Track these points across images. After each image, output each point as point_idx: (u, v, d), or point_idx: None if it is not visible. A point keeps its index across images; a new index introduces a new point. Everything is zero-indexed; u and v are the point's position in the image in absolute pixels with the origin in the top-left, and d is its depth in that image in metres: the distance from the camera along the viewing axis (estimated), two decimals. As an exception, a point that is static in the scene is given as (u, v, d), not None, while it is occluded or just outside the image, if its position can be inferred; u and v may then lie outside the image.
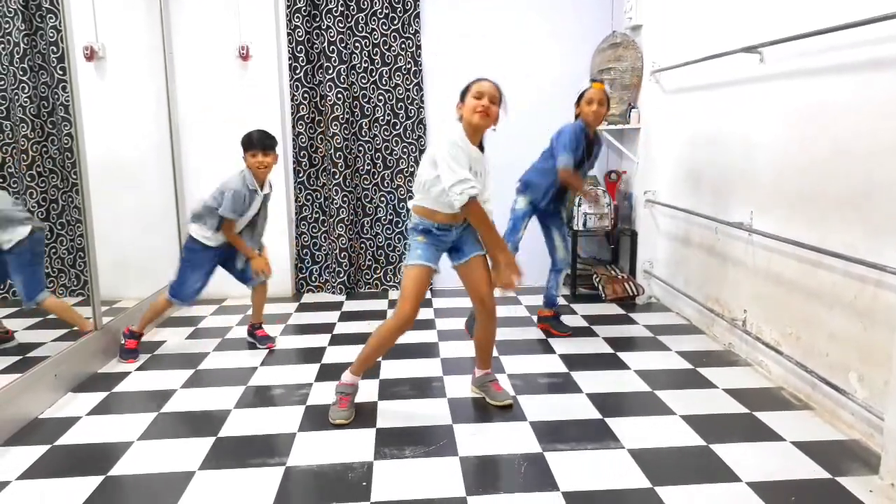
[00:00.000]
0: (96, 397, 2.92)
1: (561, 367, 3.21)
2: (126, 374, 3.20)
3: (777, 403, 2.76)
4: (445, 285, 4.61)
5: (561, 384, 3.01)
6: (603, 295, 4.35)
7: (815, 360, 2.70)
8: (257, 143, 3.24)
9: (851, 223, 2.47)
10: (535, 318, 3.96)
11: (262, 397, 2.92)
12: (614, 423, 2.59)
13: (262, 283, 3.54)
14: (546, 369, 3.19)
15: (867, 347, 2.40)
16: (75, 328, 3.23)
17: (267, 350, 3.52)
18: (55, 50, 3.63)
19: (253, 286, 3.54)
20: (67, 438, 2.53)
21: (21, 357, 3.15)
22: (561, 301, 4.41)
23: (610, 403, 2.79)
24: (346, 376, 2.71)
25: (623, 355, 3.35)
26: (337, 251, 4.64)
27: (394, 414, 2.71)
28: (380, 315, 4.13)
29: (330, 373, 3.16)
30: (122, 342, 3.38)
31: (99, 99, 3.73)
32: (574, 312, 4.16)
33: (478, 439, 2.49)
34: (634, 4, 4.26)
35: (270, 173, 3.37)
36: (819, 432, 2.50)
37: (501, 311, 4.10)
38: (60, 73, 3.62)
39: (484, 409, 2.75)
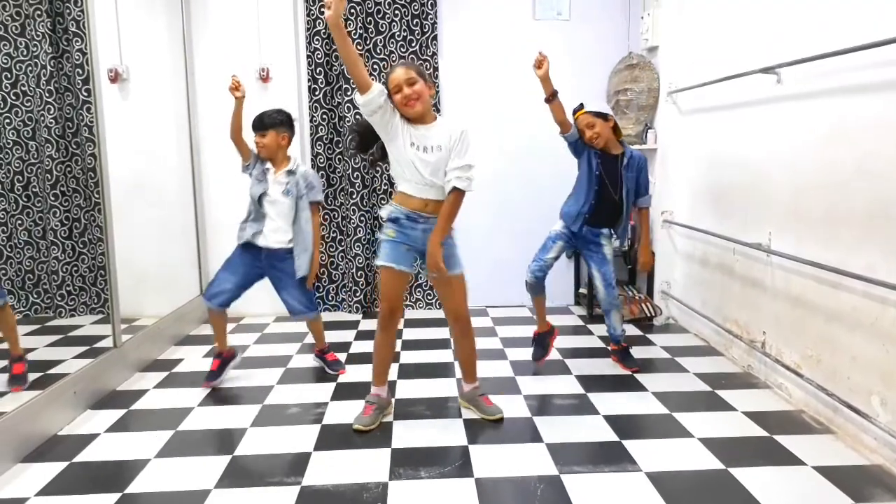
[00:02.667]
0: (114, 414, 2.94)
1: (578, 389, 3.18)
2: (144, 391, 3.22)
3: (798, 427, 2.72)
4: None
5: (577, 405, 2.99)
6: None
7: (837, 383, 2.66)
8: (254, 121, 3.24)
9: (871, 244, 2.45)
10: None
11: (277, 416, 2.92)
12: (632, 446, 2.56)
13: (310, 319, 3.41)
14: (562, 390, 3.17)
15: (889, 371, 2.37)
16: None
17: (337, 374, 3.43)
18: (81, 72, 3.71)
19: (300, 320, 3.42)
20: (86, 455, 2.55)
21: (41, 374, 3.18)
22: (577, 321, 4.41)
23: (627, 425, 2.76)
24: (372, 388, 2.87)
25: (640, 377, 3.32)
26: (353, 270, 4.67)
27: (409, 434, 2.71)
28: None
29: (345, 392, 3.16)
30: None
31: (122, 120, 3.79)
32: (590, 333, 4.14)
33: (493, 460, 2.47)
34: (650, 26, 4.28)
35: (299, 164, 3.30)
36: (841, 457, 2.45)
37: (517, 332, 4.12)
38: (85, 94, 3.70)
39: (500, 430, 2.74)
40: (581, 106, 3.29)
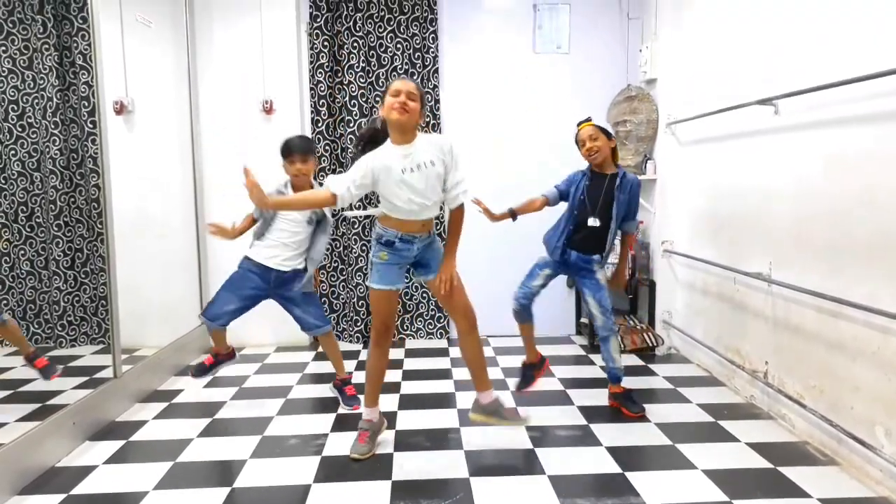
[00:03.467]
0: (113, 446, 2.93)
1: (580, 419, 3.16)
2: (143, 422, 3.20)
3: (802, 458, 2.70)
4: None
5: (580, 437, 2.97)
6: (622, 346, 4.29)
7: (840, 414, 2.64)
8: (296, 148, 3.14)
9: (872, 273, 2.45)
10: (552, 368, 3.94)
11: (277, 447, 2.90)
12: (635, 478, 2.54)
13: (325, 333, 3.37)
14: (564, 421, 3.15)
15: (893, 400, 2.35)
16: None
17: (350, 410, 3.33)
18: (86, 104, 3.76)
19: (314, 335, 3.40)
20: (83, 488, 2.53)
21: (40, 404, 3.17)
22: (579, 351, 4.39)
23: (630, 457, 2.74)
24: (364, 411, 2.89)
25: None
26: (355, 300, 4.67)
27: (410, 465, 2.68)
28: (396, 364, 4.11)
29: (346, 423, 3.14)
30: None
31: (126, 151, 3.83)
32: (592, 363, 4.12)
33: (495, 493, 2.44)
34: (649, 58, 4.34)
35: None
36: (846, 489, 2.43)
37: (518, 361, 4.09)
38: (90, 126, 3.74)
39: (501, 462, 2.71)
40: (588, 119, 3.26)
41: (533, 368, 3.47)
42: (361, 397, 3.02)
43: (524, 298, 3.35)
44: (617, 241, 3.40)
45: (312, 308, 3.32)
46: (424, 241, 2.73)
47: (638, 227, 4.54)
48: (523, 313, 3.38)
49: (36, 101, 3.71)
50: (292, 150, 3.15)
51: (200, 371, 3.29)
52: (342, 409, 3.33)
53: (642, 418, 3.15)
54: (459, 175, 2.63)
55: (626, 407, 3.28)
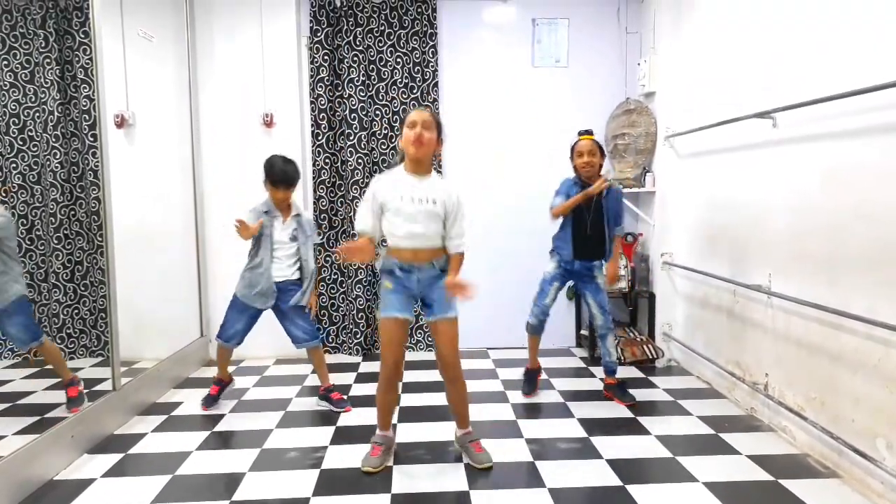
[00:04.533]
0: (112, 459, 2.91)
1: (580, 432, 3.15)
2: (142, 435, 3.19)
3: (803, 471, 2.69)
4: (462, 346, 4.58)
5: (580, 449, 2.96)
6: (622, 358, 4.29)
7: (841, 426, 2.63)
8: (281, 179, 3.37)
9: (872, 285, 2.45)
10: (552, 381, 3.93)
11: (276, 460, 2.89)
12: (636, 491, 2.52)
13: (315, 347, 3.56)
14: (564, 434, 3.14)
15: (894, 413, 2.35)
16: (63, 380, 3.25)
17: (343, 412, 3.48)
18: (87, 118, 3.78)
19: (304, 348, 3.57)
20: (81, 501, 2.52)
21: (39, 417, 3.16)
22: (579, 364, 4.38)
23: (630, 470, 2.73)
24: (378, 432, 2.88)
25: (643, 420, 3.29)
26: (354, 312, 4.66)
27: (409, 478, 2.67)
28: (396, 377, 4.10)
29: (345, 436, 3.13)
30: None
31: (127, 164, 3.84)
32: (592, 376, 4.11)
33: (495, 506, 2.43)
34: (647, 72, 4.37)
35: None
36: (848, 502, 2.42)
37: (518, 374, 4.09)
38: (91, 139, 3.75)
39: (501, 475, 2.70)
40: (590, 132, 3.52)
41: (536, 373, 3.78)
42: (363, 415, 3.01)
43: (543, 315, 3.64)
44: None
45: (302, 322, 3.50)
46: (426, 273, 2.73)
47: (637, 238, 4.57)
48: (539, 327, 3.68)
49: (37, 114, 3.72)
50: (277, 179, 3.38)
51: (210, 401, 3.56)
52: (341, 422, 3.32)
53: (643, 430, 3.14)
54: (461, 228, 2.73)
55: (618, 397, 3.56)
